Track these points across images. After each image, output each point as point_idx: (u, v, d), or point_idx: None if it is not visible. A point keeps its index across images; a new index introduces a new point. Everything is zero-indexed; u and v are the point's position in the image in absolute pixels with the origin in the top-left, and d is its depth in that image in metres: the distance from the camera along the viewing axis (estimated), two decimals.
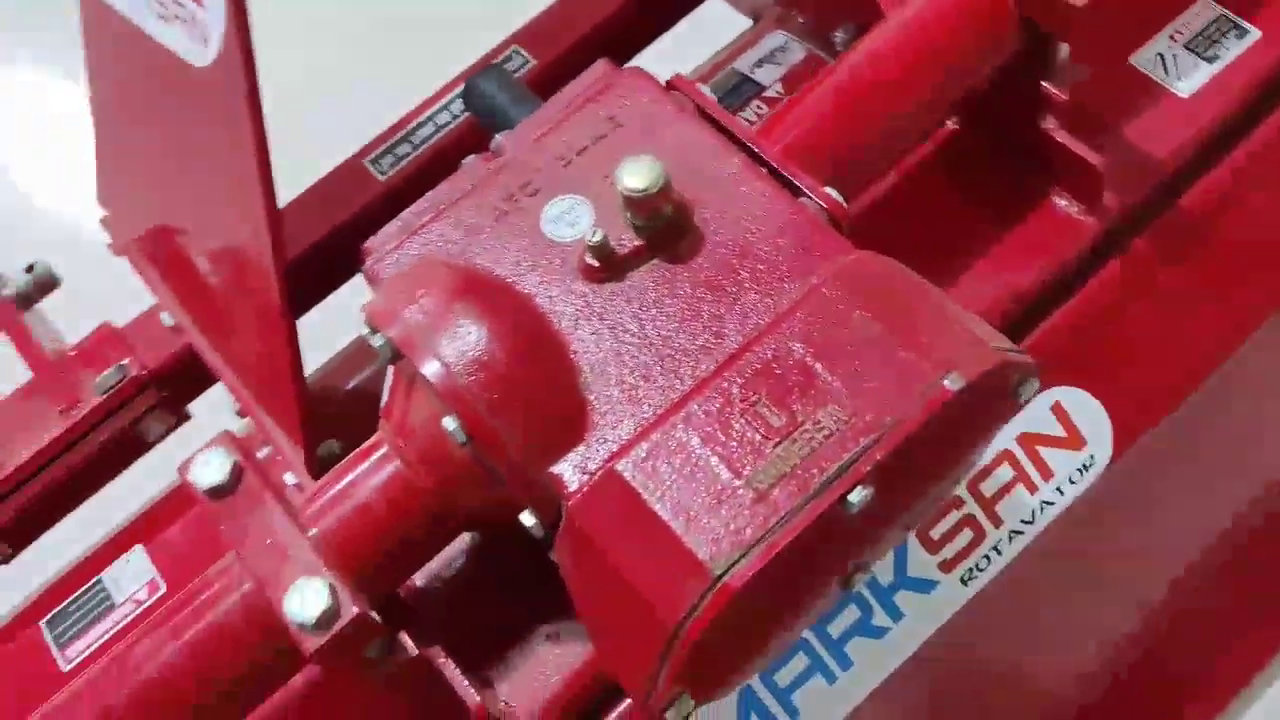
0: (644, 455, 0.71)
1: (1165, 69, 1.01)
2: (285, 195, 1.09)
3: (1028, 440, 0.97)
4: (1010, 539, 0.96)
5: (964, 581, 0.95)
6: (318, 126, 1.37)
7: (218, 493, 0.77)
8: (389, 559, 0.78)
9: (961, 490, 0.95)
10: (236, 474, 0.77)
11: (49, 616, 0.98)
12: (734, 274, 0.77)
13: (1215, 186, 1.00)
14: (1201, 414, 1.03)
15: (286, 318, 0.83)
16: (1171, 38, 1.02)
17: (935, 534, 0.95)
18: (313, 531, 0.77)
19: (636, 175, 0.75)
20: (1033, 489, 0.97)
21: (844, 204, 0.80)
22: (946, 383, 0.69)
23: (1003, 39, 0.89)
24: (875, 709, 0.93)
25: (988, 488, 0.96)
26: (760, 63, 1.10)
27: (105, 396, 1.00)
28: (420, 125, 1.12)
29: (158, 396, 1.02)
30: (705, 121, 0.83)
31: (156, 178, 0.99)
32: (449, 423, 0.73)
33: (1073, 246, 0.97)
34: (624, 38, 1.09)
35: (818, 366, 0.71)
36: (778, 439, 0.69)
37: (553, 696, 0.87)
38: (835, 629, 0.93)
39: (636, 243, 0.78)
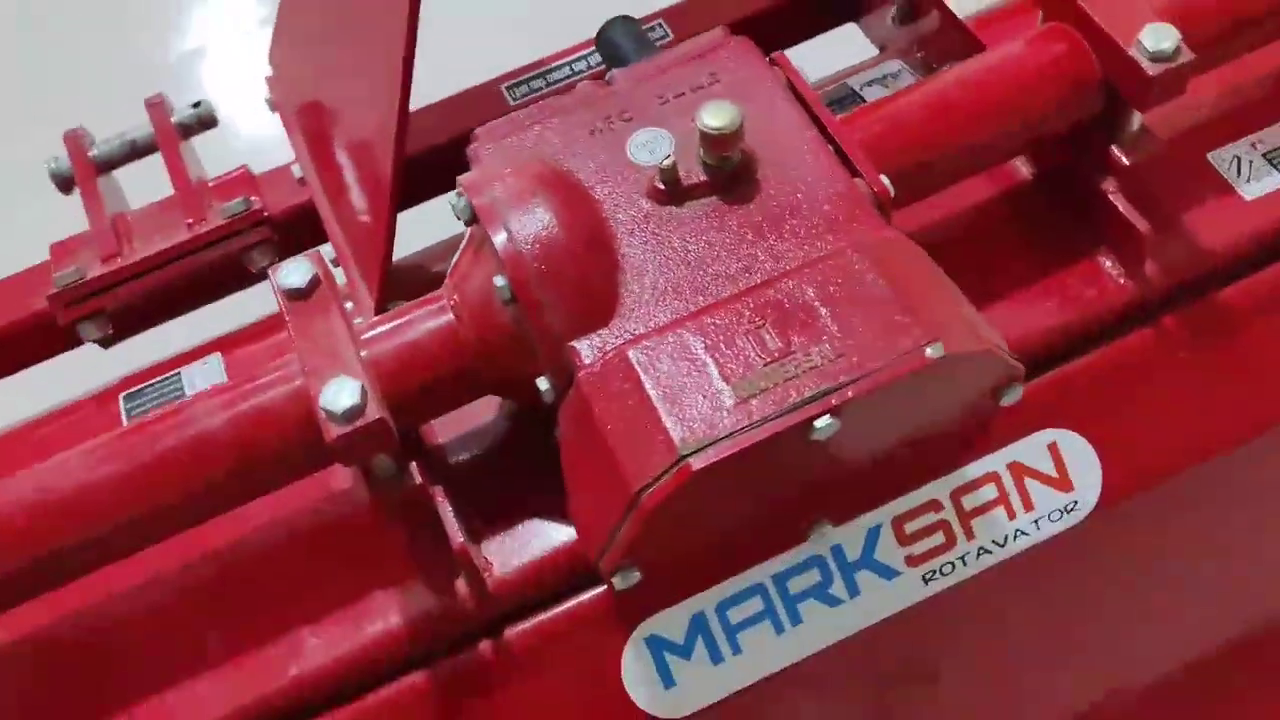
0: (652, 346, 0.80)
1: (1238, 171, 1.07)
2: (429, 98, 1.23)
3: (1018, 469, 1.03)
4: (979, 554, 1.03)
5: (925, 580, 1.02)
6: (473, 57, 1.49)
7: (294, 295, 0.89)
8: (420, 392, 0.89)
9: (944, 496, 1.02)
10: (314, 283, 0.89)
11: (127, 392, 1.11)
12: (778, 224, 0.87)
13: (1258, 289, 1.06)
14: (1199, 503, 1.09)
15: (392, 194, 0.96)
16: (1253, 144, 1.08)
17: (910, 528, 1.02)
18: (364, 352, 0.88)
19: (716, 115, 0.85)
20: (1012, 514, 1.03)
21: (891, 191, 0.89)
22: (929, 350, 0.78)
23: (1083, 97, 0.98)
24: (811, 672, 1.01)
25: (969, 501, 1.03)
26: (871, 83, 1.19)
27: (227, 220, 1.14)
28: (559, 67, 1.25)
29: (270, 234, 1.15)
30: (792, 95, 0.93)
31: (318, 49, 1.14)
32: (499, 280, 0.84)
33: (1105, 304, 1.03)
34: (758, 37, 1.19)
35: (823, 310, 0.80)
36: (770, 360, 0.79)
37: (531, 563, 0.96)
38: (795, 585, 1.01)
39: (702, 178, 0.88)
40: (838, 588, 1.01)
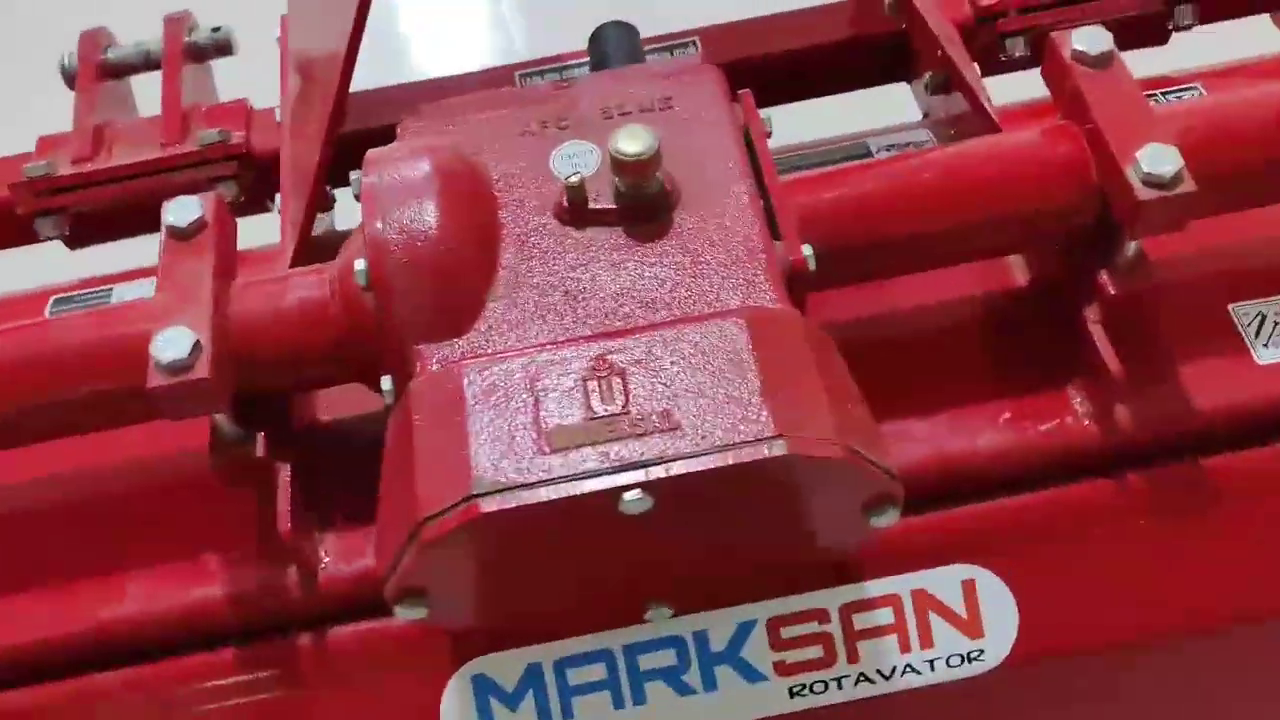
0: (487, 369, 0.74)
1: (1259, 331, 0.94)
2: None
3: (923, 599, 0.93)
4: (857, 681, 0.92)
5: (791, 693, 0.92)
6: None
7: (174, 233, 0.85)
8: (275, 360, 0.84)
9: (832, 607, 0.92)
10: (198, 225, 0.85)
11: (57, 295, 1.10)
12: (675, 272, 0.79)
13: (1249, 466, 0.92)
14: (1117, 688, 0.96)
15: (326, 140, 0.92)
16: None
17: (786, 632, 0.92)
18: (228, 308, 0.84)
19: (630, 141, 0.78)
20: (905, 646, 0.92)
21: (811, 265, 0.80)
22: (768, 447, 0.69)
23: (1073, 204, 0.86)
24: None
25: (860, 620, 0.92)
26: (890, 146, 1.10)
27: (199, 148, 1.11)
28: (576, 65, 1.19)
29: (239, 170, 1.12)
30: (742, 140, 0.85)
31: None
32: (359, 264, 0.79)
33: (1061, 442, 0.92)
34: (796, 74, 1.11)
35: (677, 375, 0.72)
36: (602, 415, 0.71)
37: (372, 567, 0.90)
38: (646, 662, 0.92)
39: (610, 206, 0.81)
40: (692, 676, 0.92)
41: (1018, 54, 1.14)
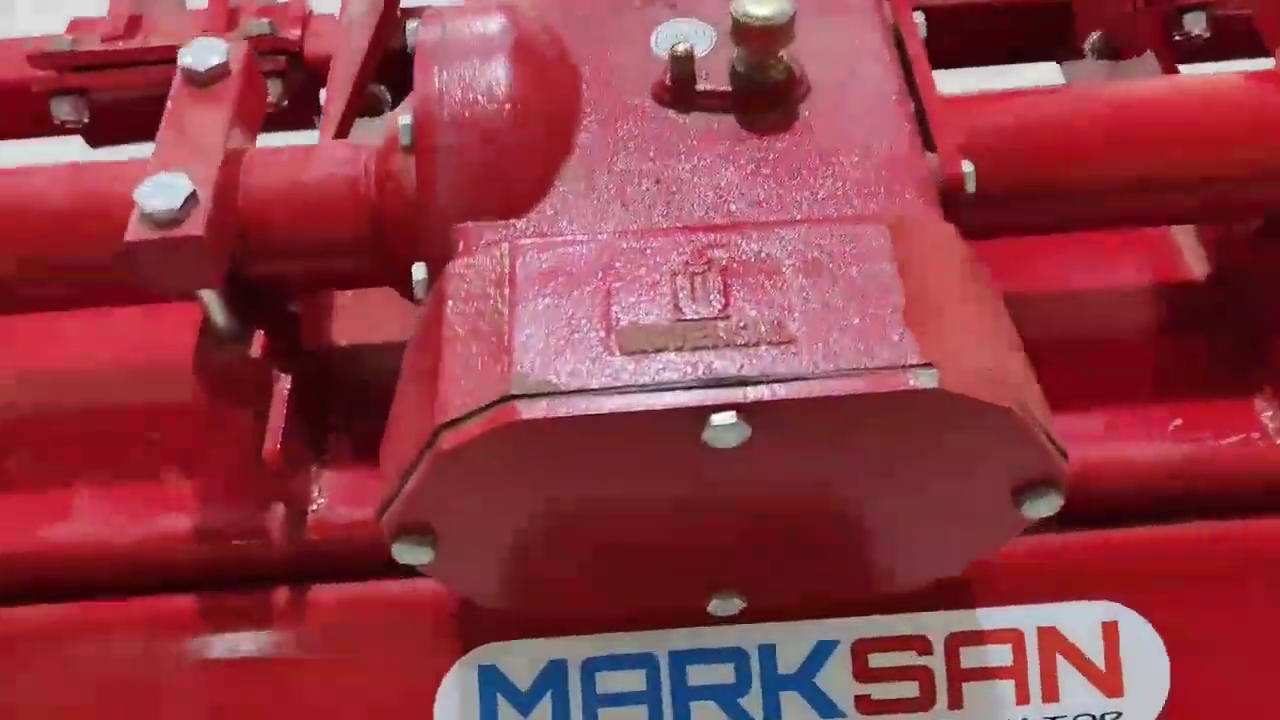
0: (548, 251, 0.57)
1: None
2: None
3: (1051, 640, 0.74)
4: None
5: None
6: None
7: (191, 77, 0.70)
8: (286, 236, 0.69)
9: (937, 636, 0.74)
10: (218, 72, 0.70)
11: None
12: (799, 171, 0.62)
13: None
14: None
15: (379, 33, 0.84)
16: None
17: (876, 661, 0.74)
18: (245, 171, 0.69)
19: (761, 2, 0.62)
20: (1023, 698, 0.74)
21: (969, 186, 0.63)
22: (913, 378, 0.51)
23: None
24: None
25: (969, 656, 0.74)
26: None
27: (245, 39, 0.97)
28: None
29: (286, 67, 0.98)
30: (891, 39, 0.69)
31: None
32: (404, 119, 0.63)
33: (1249, 463, 0.74)
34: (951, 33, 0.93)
35: (796, 280, 0.55)
36: (691, 317, 0.54)
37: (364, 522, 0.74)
38: (696, 676, 0.74)
39: (723, 88, 0.65)
40: (751, 701, 0.74)
41: (1195, 33, 0.97)
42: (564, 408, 0.51)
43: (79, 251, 0.69)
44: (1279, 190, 0.71)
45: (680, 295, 0.55)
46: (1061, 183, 0.70)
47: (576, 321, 0.54)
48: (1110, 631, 0.74)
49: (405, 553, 0.58)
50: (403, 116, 0.64)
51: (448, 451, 0.53)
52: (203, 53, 0.71)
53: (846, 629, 0.74)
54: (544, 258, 0.57)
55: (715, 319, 0.54)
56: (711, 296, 0.55)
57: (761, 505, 0.58)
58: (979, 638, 0.74)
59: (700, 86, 0.65)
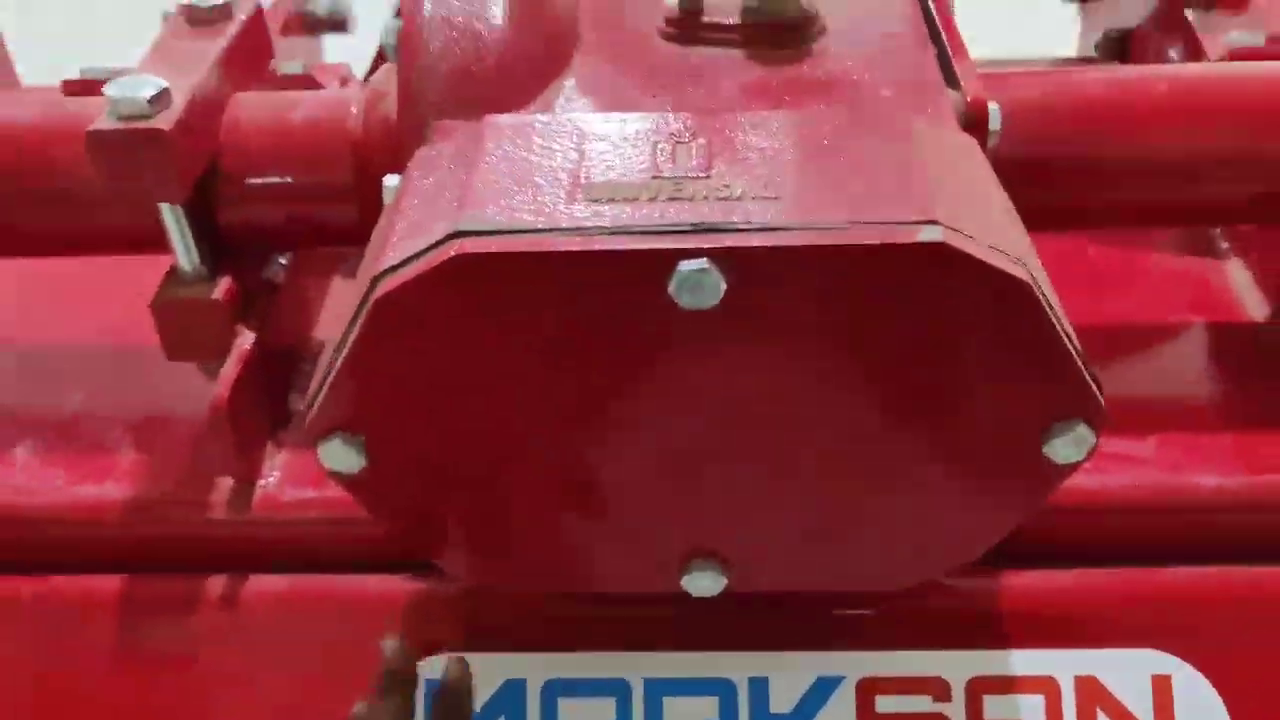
0: (522, 124, 0.53)
1: None
2: None
3: (1090, 691, 0.63)
4: None
5: None
6: None
7: (190, 13, 0.69)
8: (256, 168, 0.65)
9: (957, 679, 0.63)
10: (221, 14, 0.69)
11: None
12: (812, 93, 0.58)
13: None
14: None
15: None
16: None
17: (884, 705, 0.63)
18: (229, 103, 0.66)
19: None
20: None
21: (995, 124, 0.58)
22: (921, 232, 0.45)
23: None
24: None
25: (994, 706, 0.62)
26: None
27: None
28: None
29: None
30: (915, 2, 0.66)
31: None
32: (391, 23, 0.60)
33: None
34: None
35: (792, 151, 0.49)
36: (667, 175, 0.48)
37: (323, 499, 0.66)
38: (673, 709, 0.63)
39: (732, 20, 0.61)
40: None
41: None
42: (514, 245, 0.45)
43: (52, 174, 0.66)
44: None
45: (660, 158, 0.49)
46: (1093, 156, 0.64)
47: (543, 173, 0.49)
48: (1161, 686, 0.62)
49: (332, 455, 0.51)
50: (390, 22, 0.61)
51: (385, 297, 0.46)
52: None
53: (851, 663, 0.64)
54: (516, 125, 0.52)
55: (695, 177, 0.48)
56: (694, 160, 0.49)
57: (742, 426, 0.50)
58: (1006, 684, 0.63)
59: (708, 18, 0.62)
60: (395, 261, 0.47)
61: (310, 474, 0.67)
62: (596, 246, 0.45)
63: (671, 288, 0.45)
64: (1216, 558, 0.64)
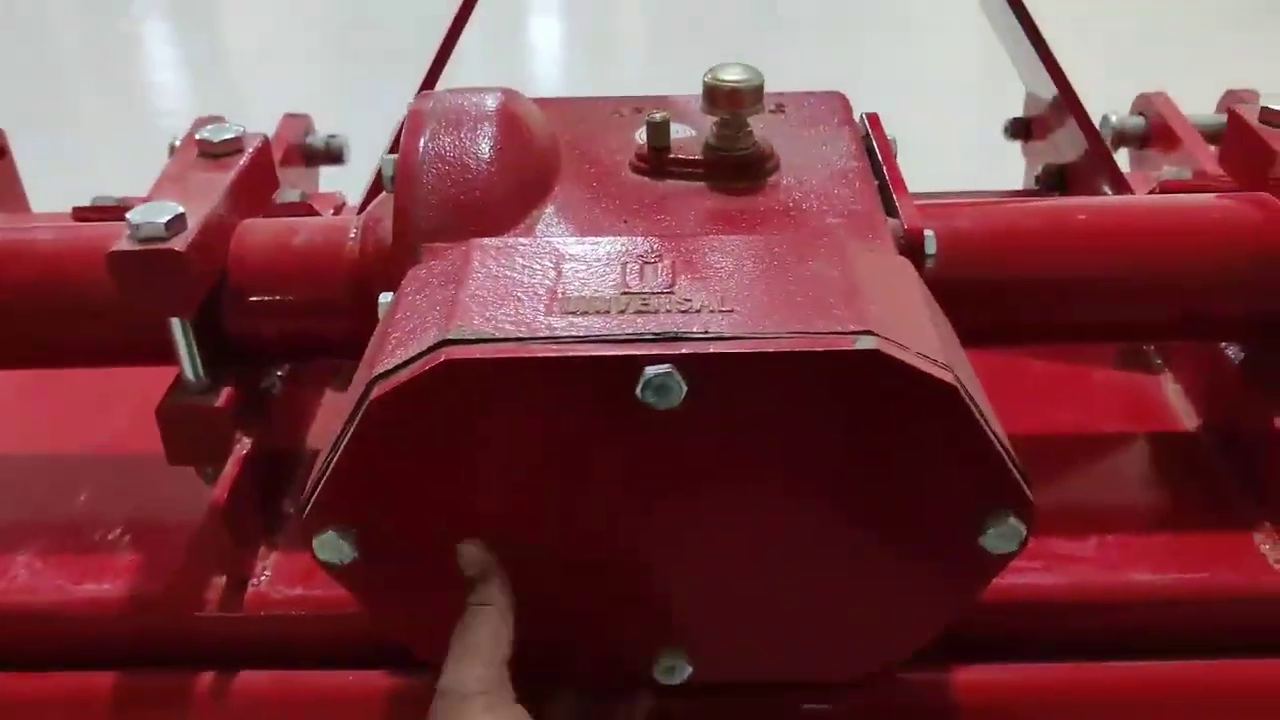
0: (505, 246, 0.58)
1: None
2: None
3: None
4: None
5: None
6: None
7: (204, 148, 0.75)
8: (260, 285, 0.70)
9: None
10: (231, 148, 0.75)
11: None
12: (766, 219, 0.64)
13: None
14: None
15: None
16: None
17: None
18: (238, 229, 0.72)
19: (731, 69, 0.66)
20: None
21: (930, 249, 0.64)
22: (858, 341, 0.50)
23: (1262, 270, 0.70)
24: None
25: None
26: None
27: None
28: None
29: None
30: (860, 141, 0.72)
31: None
32: (389, 156, 0.67)
33: (1250, 596, 0.68)
34: None
35: (748, 269, 0.55)
36: (635, 291, 0.54)
37: (315, 598, 0.70)
38: None
39: (696, 156, 0.68)
40: None
41: None
42: (497, 351, 0.50)
43: (69, 292, 0.71)
44: (1244, 303, 0.71)
45: (629, 276, 0.55)
46: (1025, 280, 0.70)
47: (523, 289, 0.54)
48: None
49: (326, 547, 0.55)
50: (387, 159, 0.67)
51: (381, 398, 0.51)
52: (218, 131, 0.76)
53: None
54: (500, 247, 0.58)
55: (660, 293, 0.54)
56: (659, 278, 0.55)
57: (704, 522, 0.54)
58: None
59: (674, 154, 0.69)
60: (390, 366, 0.52)
61: (300, 576, 0.71)
62: (571, 353, 0.50)
63: (639, 390, 0.50)
64: (1155, 652, 0.68)
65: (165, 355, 0.70)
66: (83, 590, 0.71)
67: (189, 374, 0.70)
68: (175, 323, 0.68)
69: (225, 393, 0.70)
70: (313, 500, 0.54)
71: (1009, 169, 1.15)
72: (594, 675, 0.62)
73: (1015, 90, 1.12)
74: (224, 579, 0.71)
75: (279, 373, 0.78)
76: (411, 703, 0.68)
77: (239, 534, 0.70)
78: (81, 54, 3.53)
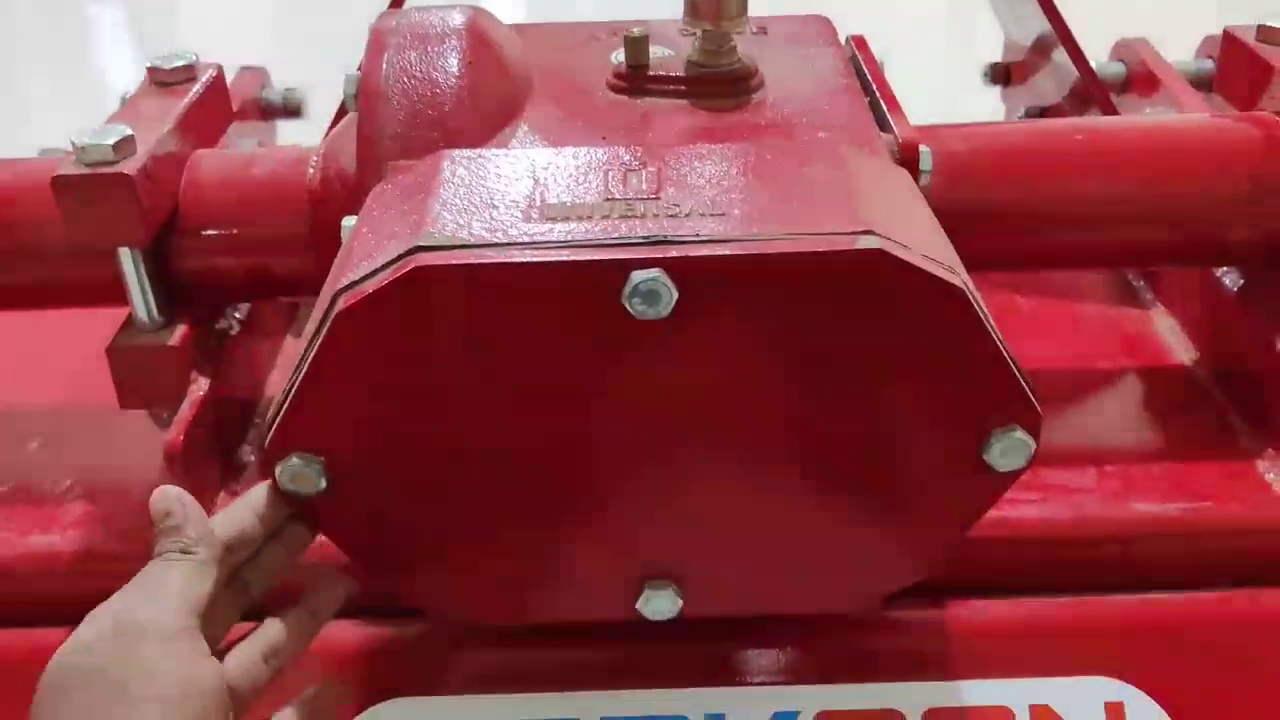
0: (478, 156, 0.55)
1: None
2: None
3: (1046, 719, 0.63)
4: None
5: None
6: None
7: (156, 76, 0.71)
8: (214, 217, 0.66)
9: (911, 709, 0.63)
10: (183, 76, 0.71)
11: None
12: (751, 131, 0.61)
13: None
14: None
15: None
16: None
17: None
18: (192, 156, 0.68)
19: None
20: None
21: (925, 161, 0.61)
22: (859, 241, 0.47)
23: (1261, 191, 0.67)
24: None
25: None
26: None
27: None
28: None
29: None
30: (847, 61, 0.69)
31: None
32: (350, 81, 0.63)
33: (1258, 520, 0.66)
34: None
35: (739, 175, 0.52)
36: (619, 197, 0.51)
37: None
38: None
39: (677, 73, 0.65)
40: None
41: None
42: (471, 258, 0.47)
43: (16, 229, 0.67)
44: (1246, 225, 0.69)
45: (612, 183, 0.52)
46: (1022, 202, 0.68)
47: (499, 196, 0.51)
48: (1115, 713, 0.63)
49: (292, 475, 0.51)
50: (350, 75, 0.64)
51: (346, 311, 0.47)
52: (170, 57, 0.72)
53: (808, 698, 0.64)
54: (472, 156, 0.54)
55: (646, 198, 0.50)
56: (644, 185, 0.52)
57: (695, 441, 0.51)
58: (962, 715, 0.63)
59: (653, 71, 0.65)
60: (355, 278, 0.48)
61: None
62: (553, 258, 0.47)
63: (625, 297, 0.47)
64: (1159, 585, 0.65)
65: (118, 295, 0.66)
66: (30, 544, 0.67)
67: (141, 312, 0.66)
68: (125, 254, 0.64)
69: (179, 331, 0.66)
70: (275, 424, 0.51)
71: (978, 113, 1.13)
72: (577, 609, 0.58)
73: (986, 32, 1.10)
74: None
75: (237, 315, 0.74)
76: (381, 653, 0.64)
77: (195, 480, 0.66)
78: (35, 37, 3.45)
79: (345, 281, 0.48)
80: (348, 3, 1.06)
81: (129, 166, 0.61)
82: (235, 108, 1.00)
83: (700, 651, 0.64)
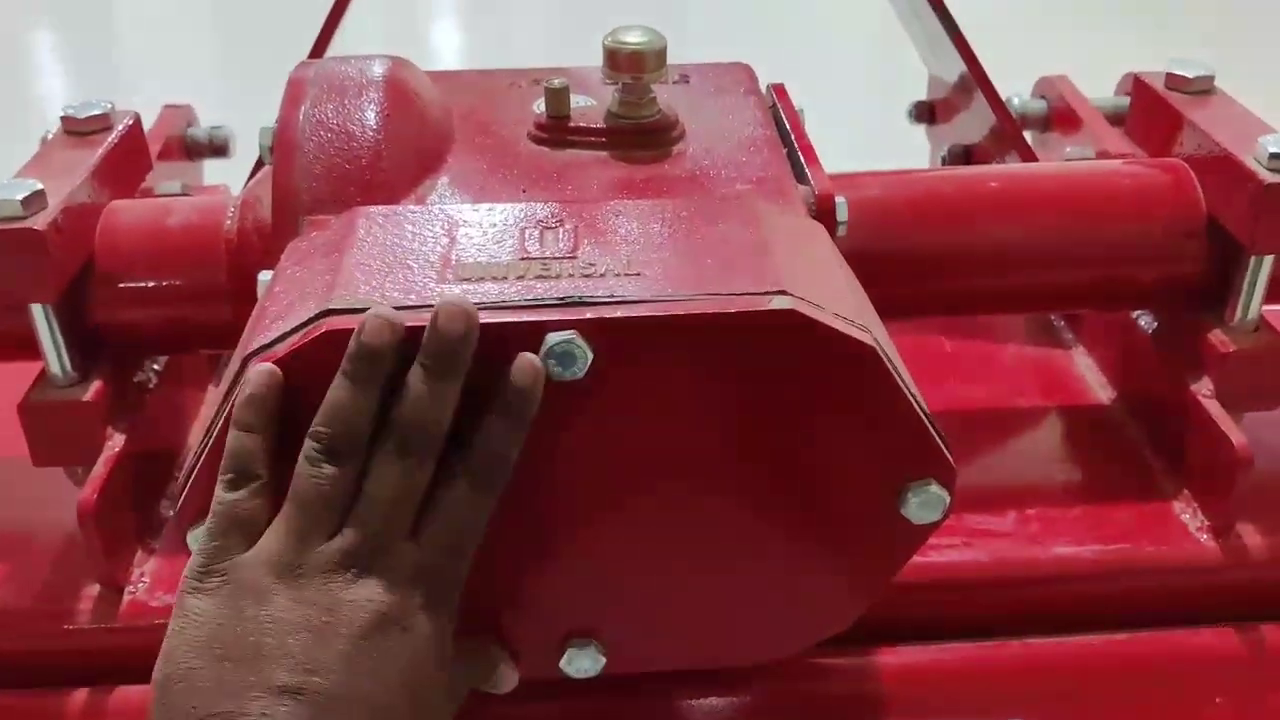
0: (394, 214, 0.54)
1: None
2: None
3: None
4: None
5: None
6: None
7: (70, 125, 0.70)
8: (129, 270, 0.65)
9: None
10: (99, 125, 0.71)
11: None
12: (671, 189, 0.61)
13: None
14: None
15: None
16: None
17: None
18: (107, 208, 0.67)
19: (632, 31, 0.63)
20: None
21: (841, 215, 0.62)
22: (771, 301, 0.47)
23: (1178, 237, 0.69)
24: None
25: None
26: None
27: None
28: None
29: None
30: (769, 117, 0.70)
31: None
32: (265, 133, 0.62)
33: (1172, 560, 0.67)
34: None
35: (656, 230, 0.52)
36: (535, 256, 0.51)
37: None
38: None
39: (598, 124, 0.65)
40: None
41: None
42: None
43: None
44: (1157, 270, 0.70)
45: (528, 241, 0.52)
46: (938, 249, 0.68)
47: (414, 256, 0.51)
48: None
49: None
50: (265, 131, 0.63)
51: (252, 370, 0.47)
52: (85, 106, 0.71)
53: None
54: (388, 213, 0.54)
55: (562, 258, 0.50)
56: (561, 243, 0.52)
57: (612, 501, 0.51)
58: None
59: (574, 123, 0.65)
60: (266, 341, 0.48)
61: (181, 579, 0.66)
62: None
63: (542, 359, 0.46)
64: (1079, 627, 0.66)
65: (31, 349, 0.65)
66: None
67: (54, 367, 0.65)
68: (37, 309, 0.62)
69: (94, 387, 0.65)
70: (184, 492, 0.50)
71: (906, 154, 1.14)
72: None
73: (913, 73, 1.11)
74: (96, 588, 0.65)
75: (155, 366, 0.72)
76: None
77: (111, 538, 0.64)
78: None
79: (256, 345, 0.48)
80: (293, 35, 1.05)
81: (39, 222, 0.60)
82: (159, 146, 0.99)
83: (626, 705, 0.63)
